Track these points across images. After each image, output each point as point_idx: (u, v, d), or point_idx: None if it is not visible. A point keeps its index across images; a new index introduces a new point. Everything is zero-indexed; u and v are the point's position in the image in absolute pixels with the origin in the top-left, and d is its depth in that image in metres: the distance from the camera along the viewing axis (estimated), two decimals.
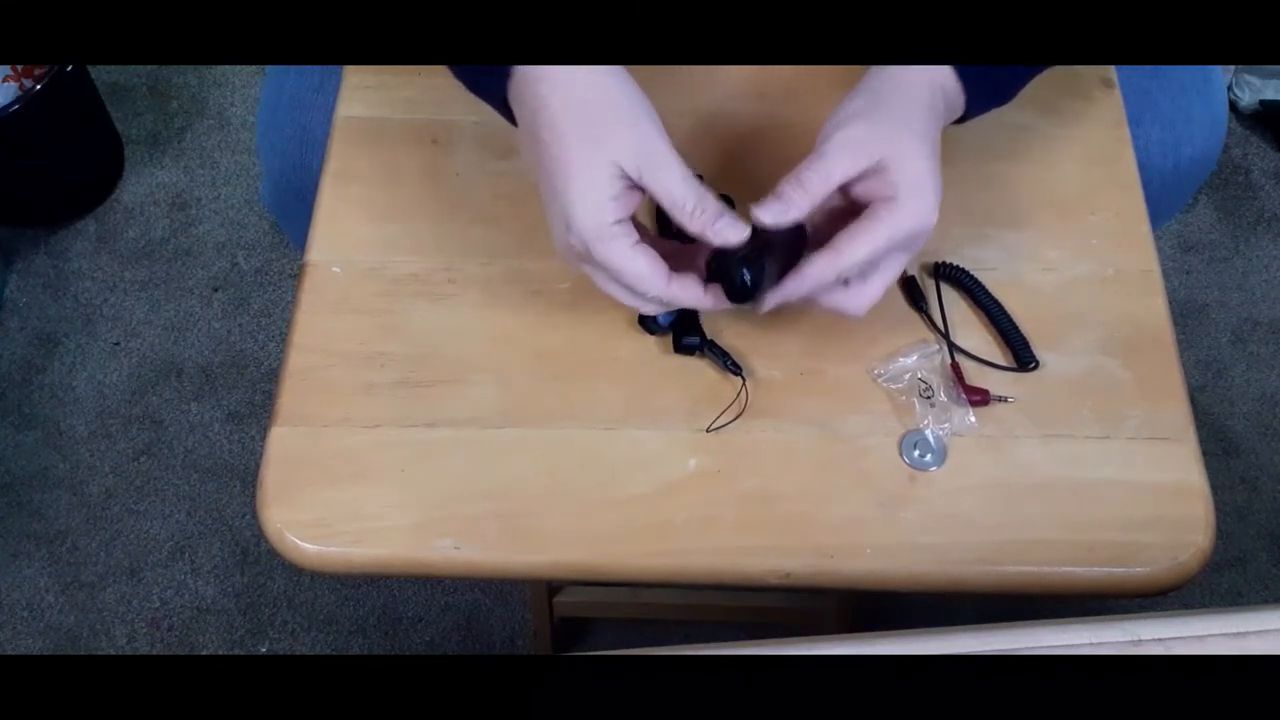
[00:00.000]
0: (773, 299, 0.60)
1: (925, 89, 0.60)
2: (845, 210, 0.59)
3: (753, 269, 0.59)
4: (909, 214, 0.57)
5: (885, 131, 0.58)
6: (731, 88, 0.76)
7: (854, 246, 0.57)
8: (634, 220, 0.59)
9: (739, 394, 0.64)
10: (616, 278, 0.59)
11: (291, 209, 0.82)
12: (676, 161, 0.58)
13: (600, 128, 0.57)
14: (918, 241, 0.59)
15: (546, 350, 0.65)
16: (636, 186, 0.58)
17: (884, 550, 0.59)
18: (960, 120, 0.63)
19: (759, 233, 0.58)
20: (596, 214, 0.57)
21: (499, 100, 0.61)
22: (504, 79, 0.60)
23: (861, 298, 0.60)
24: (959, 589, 0.59)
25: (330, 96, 0.76)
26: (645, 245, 0.58)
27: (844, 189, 0.59)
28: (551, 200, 0.58)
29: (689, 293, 0.59)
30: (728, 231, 0.58)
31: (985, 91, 0.63)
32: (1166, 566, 0.59)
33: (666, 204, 0.58)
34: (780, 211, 0.57)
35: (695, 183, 0.58)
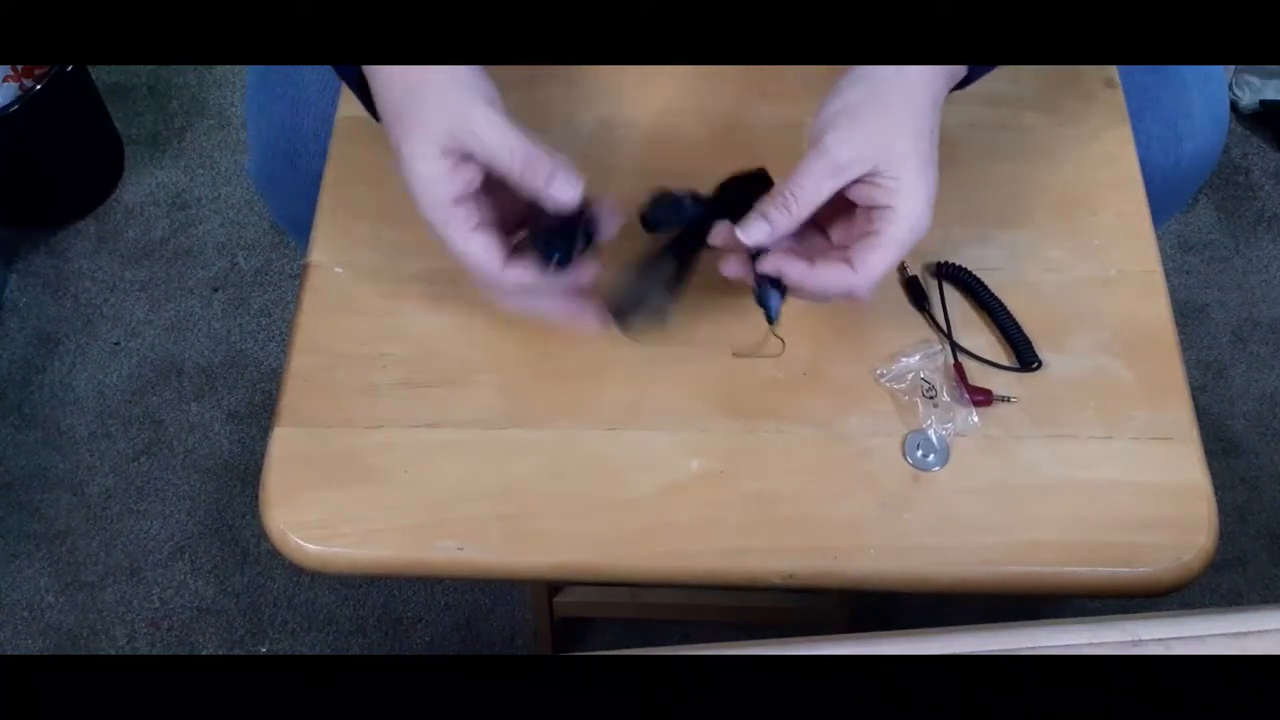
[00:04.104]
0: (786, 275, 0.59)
1: (925, 69, 0.59)
2: (833, 201, 0.59)
3: (562, 244, 0.57)
4: (905, 220, 0.57)
5: (874, 140, 0.57)
6: (731, 88, 0.76)
7: (869, 264, 0.58)
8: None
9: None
10: (462, 263, 0.58)
11: (280, 176, 0.81)
12: (502, 126, 0.56)
13: (413, 114, 0.57)
14: (917, 235, 0.59)
15: (549, 351, 0.65)
16: (469, 160, 0.57)
17: (887, 551, 0.59)
18: (964, 84, 0.63)
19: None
20: (429, 193, 0.57)
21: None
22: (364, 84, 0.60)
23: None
24: (962, 589, 0.59)
25: None
26: (486, 229, 0.58)
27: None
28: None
29: (529, 277, 0.58)
30: (560, 191, 0.56)
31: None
32: (1169, 567, 0.59)
33: (496, 168, 0.57)
34: (766, 233, 0.58)
35: (525, 143, 0.56)
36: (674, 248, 0.62)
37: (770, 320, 0.61)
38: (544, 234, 0.58)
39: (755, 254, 0.60)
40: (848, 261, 0.58)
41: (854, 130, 0.57)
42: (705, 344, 0.66)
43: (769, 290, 0.60)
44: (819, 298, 0.61)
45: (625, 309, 0.62)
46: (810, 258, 0.59)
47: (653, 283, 0.61)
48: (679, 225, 0.62)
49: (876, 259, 0.58)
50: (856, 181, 0.58)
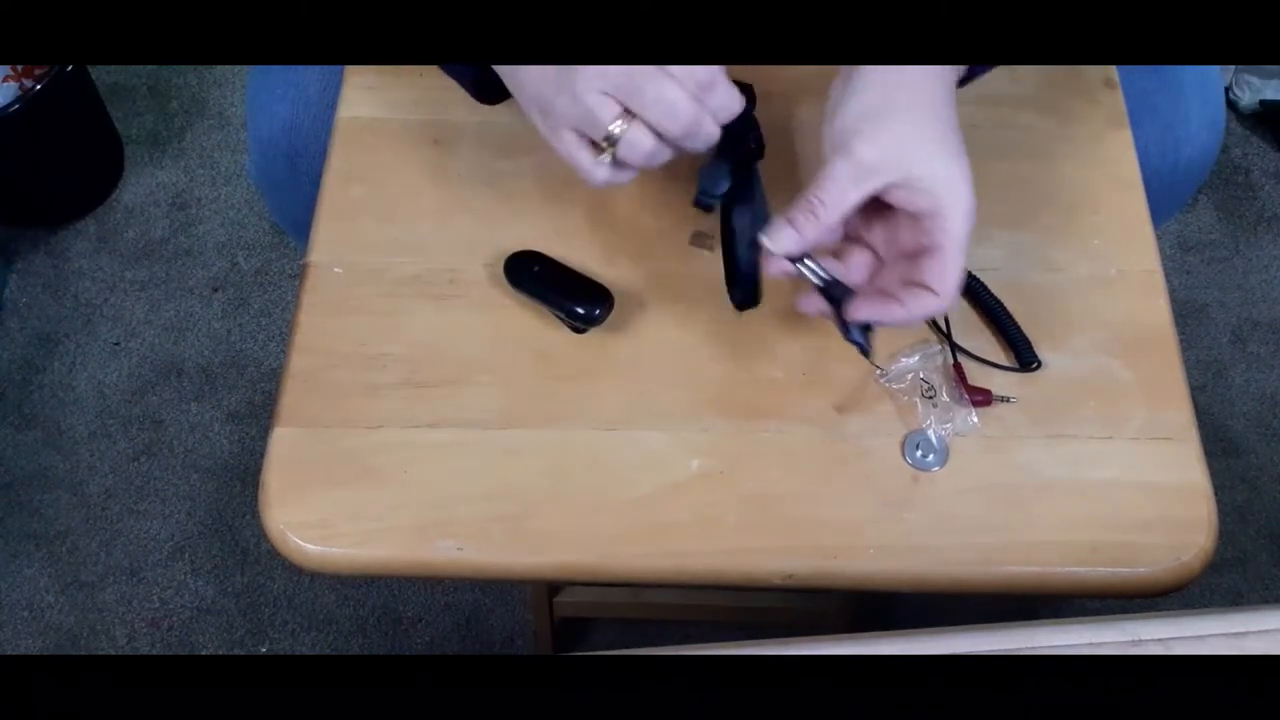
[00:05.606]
0: (867, 314, 0.60)
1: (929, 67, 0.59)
2: (871, 204, 0.59)
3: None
4: (957, 220, 0.57)
5: (901, 144, 0.57)
6: None
7: (948, 280, 0.57)
8: None
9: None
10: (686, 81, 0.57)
11: (280, 176, 0.81)
12: None
13: None
14: (971, 224, 0.58)
15: (549, 351, 0.65)
16: None
17: (886, 551, 0.59)
18: (963, 81, 0.62)
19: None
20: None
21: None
22: None
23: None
24: (961, 589, 0.59)
25: None
26: None
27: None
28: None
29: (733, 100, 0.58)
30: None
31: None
32: (1169, 567, 0.59)
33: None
34: (792, 244, 0.58)
35: None
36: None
37: (868, 356, 0.62)
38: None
39: (836, 299, 0.60)
40: (924, 285, 0.57)
41: (878, 133, 0.57)
42: (705, 344, 0.66)
43: (857, 330, 0.60)
44: (908, 325, 0.62)
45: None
46: (885, 290, 0.59)
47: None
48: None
49: (950, 272, 0.57)
50: (891, 187, 0.57)
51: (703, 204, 0.63)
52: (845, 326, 0.61)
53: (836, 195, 0.57)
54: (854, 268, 0.62)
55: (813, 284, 0.61)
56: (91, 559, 1.26)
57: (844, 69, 0.60)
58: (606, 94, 0.57)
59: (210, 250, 1.46)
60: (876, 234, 0.61)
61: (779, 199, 0.63)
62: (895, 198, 0.58)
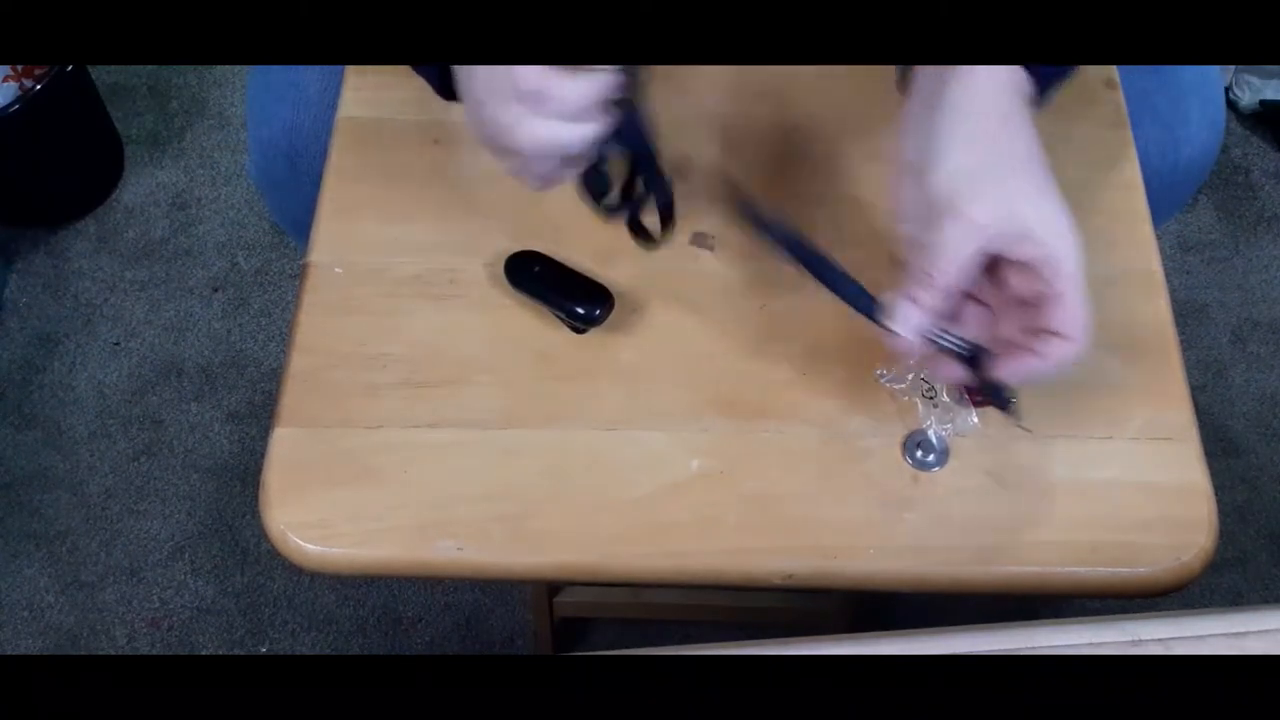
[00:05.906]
0: (1013, 373, 0.58)
1: (1009, 98, 0.57)
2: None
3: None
4: (1071, 261, 0.55)
5: (1009, 200, 0.55)
6: (732, 88, 0.76)
7: (1077, 323, 0.56)
8: None
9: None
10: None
11: (280, 176, 0.81)
12: None
13: None
14: (1080, 259, 0.57)
15: (549, 351, 0.65)
16: None
17: (886, 551, 0.59)
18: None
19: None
20: None
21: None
22: None
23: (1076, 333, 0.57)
24: (961, 589, 0.59)
25: None
26: None
27: None
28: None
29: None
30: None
31: (1048, 75, 0.61)
32: (1169, 567, 0.59)
33: None
34: (919, 320, 0.56)
35: None
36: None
37: (1020, 416, 0.60)
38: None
39: (975, 362, 0.58)
40: (1054, 333, 0.56)
41: (986, 190, 0.55)
42: (705, 343, 0.66)
43: (999, 388, 0.59)
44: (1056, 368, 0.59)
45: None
46: (1010, 341, 0.58)
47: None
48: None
49: (1077, 315, 0.56)
50: (1004, 242, 0.55)
51: (607, 213, 0.62)
52: (990, 389, 0.59)
53: (952, 258, 0.55)
54: (971, 322, 0.59)
55: (948, 352, 0.58)
56: (91, 559, 1.26)
57: (911, 112, 0.58)
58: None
59: (210, 250, 1.46)
60: (981, 284, 0.59)
61: (782, 204, 0.62)
62: (1007, 250, 0.56)
